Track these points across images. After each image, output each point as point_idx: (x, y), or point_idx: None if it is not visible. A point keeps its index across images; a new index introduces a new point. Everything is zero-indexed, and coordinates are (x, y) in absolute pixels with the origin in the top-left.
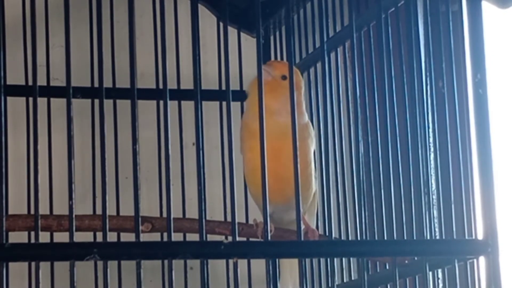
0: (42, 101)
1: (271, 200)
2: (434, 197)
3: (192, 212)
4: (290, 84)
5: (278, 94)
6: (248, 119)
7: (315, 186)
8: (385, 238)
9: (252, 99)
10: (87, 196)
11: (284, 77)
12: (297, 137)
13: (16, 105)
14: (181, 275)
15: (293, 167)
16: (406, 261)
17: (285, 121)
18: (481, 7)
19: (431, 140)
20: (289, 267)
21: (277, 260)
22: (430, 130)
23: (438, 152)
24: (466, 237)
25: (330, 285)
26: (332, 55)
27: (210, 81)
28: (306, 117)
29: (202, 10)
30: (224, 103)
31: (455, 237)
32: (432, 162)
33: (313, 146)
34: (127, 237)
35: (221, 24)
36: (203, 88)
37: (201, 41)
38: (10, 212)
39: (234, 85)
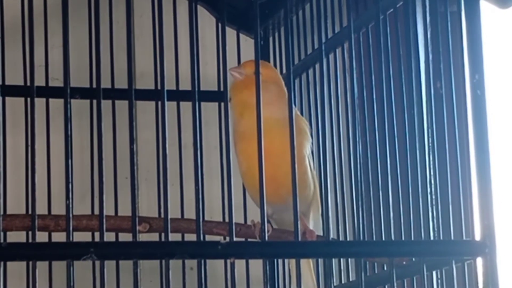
0: (41, 101)
1: (268, 201)
2: (432, 197)
3: (191, 213)
4: (288, 87)
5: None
6: (234, 122)
7: (313, 184)
8: (383, 238)
9: (233, 102)
10: (86, 196)
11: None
12: (286, 132)
13: (15, 106)
14: (180, 276)
15: (284, 166)
16: (404, 262)
17: (268, 115)
18: (479, 7)
19: (429, 141)
20: (307, 266)
21: (275, 260)
22: (429, 131)
23: (436, 153)
24: (464, 238)
25: (328, 286)
26: (331, 56)
27: (209, 82)
28: (295, 109)
29: (201, 11)
30: (223, 104)
31: (452, 238)
32: (430, 163)
33: (307, 141)
34: (126, 237)
35: (220, 25)
36: (202, 89)
37: (200, 42)
38: (8, 212)
39: None
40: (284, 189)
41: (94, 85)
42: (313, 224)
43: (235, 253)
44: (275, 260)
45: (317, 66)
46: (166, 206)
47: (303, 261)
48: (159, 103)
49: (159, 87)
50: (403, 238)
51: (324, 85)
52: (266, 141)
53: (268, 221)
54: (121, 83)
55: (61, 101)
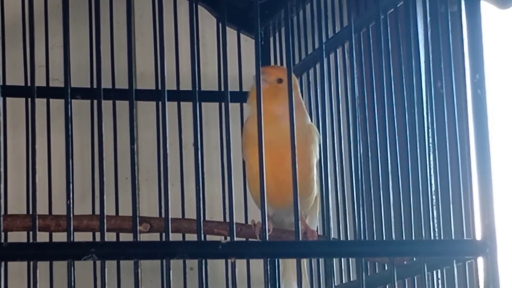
0: (41, 102)
1: (272, 204)
2: (433, 197)
3: (192, 213)
4: (288, 85)
5: (279, 98)
6: (250, 125)
7: (317, 190)
8: (384, 238)
9: (254, 105)
10: (87, 196)
11: (280, 80)
12: (301, 141)
13: (16, 106)
14: (181, 276)
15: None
16: (405, 262)
17: (287, 125)
18: (480, 8)
19: (430, 140)
20: (292, 266)
21: (276, 260)
22: (429, 130)
23: (437, 153)
24: (465, 238)
25: (328, 286)
26: (332, 56)
27: (209, 82)
28: (308, 119)
29: (202, 11)
30: (223, 104)
31: (453, 237)
32: (431, 162)
33: (316, 151)
34: (127, 237)
35: (221, 25)
36: (202, 89)
37: (201, 42)
38: (9, 212)
39: (234, 86)
40: (291, 194)
41: (95, 85)
42: (309, 220)
43: (236, 253)
44: (276, 260)
45: (317, 66)
46: (167, 206)
47: (293, 261)
48: (160, 103)
49: (159, 87)
50: (404, 238)
51: (325, 85)
52: (285, 148)
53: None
54: (122, 83)
55: (62, 101)
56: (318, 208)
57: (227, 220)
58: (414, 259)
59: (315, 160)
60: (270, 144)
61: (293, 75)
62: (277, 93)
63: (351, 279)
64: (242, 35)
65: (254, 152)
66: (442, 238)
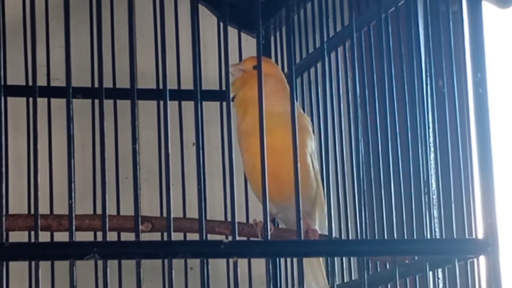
0: (42, 101)
1: (271, 199)
2: (434, 196)
3: (193, 212)
4: (290, 86)
5: (255, 83)
6: (238, 121)
7: (315, 183)
8: (385, 237)
9: (235, 99)
10: (88, 196)
11: (255, 67)
12: (288, 128)
13: (16, 106)
14: (181, 275)
15: (286, 164)
16: (407, 261)
17: (268, 110)
18: (481, 7)
19: (431, 139)
20: (310, 266)
21: (278, 259)
22: (430, 129)
23: (438, 152)
24: (466, 237)
25: (330, 285)
26: (333, 55)
27: (210, 82)
28: (299, 107)
29: (203, 10)
30: (224, 103)
31: (455, 236)
32: (432, 161)
33: (309, 139)
34: (128, 237)
35: (222, 24)
36: (203, 88)
37: (202, 42)
38: (10, 212)
39: None
40: (287, 187)
41: (96, 85)
42: (318, 224)
43: (237, 252)
44: (278, 259)
45: (318, 65)
46: (168, 205)
47: (314, 260)
48: (161, 102)
49: (160, 87)
50: (405, 237)
51: (326, 84)
52: (268, 138)
53: (271, 220)
54: (123, 82)
55: (63, 101)
56: (324, 209)
57: (228, 219)
58: (416, 258)
59: (308, 149)
60: (255, 135)
61: (271, 61)
62: (253, 79)
63: (353, 278)
64: (242, 34)
65: (244, 148)
66: (444, 237)
